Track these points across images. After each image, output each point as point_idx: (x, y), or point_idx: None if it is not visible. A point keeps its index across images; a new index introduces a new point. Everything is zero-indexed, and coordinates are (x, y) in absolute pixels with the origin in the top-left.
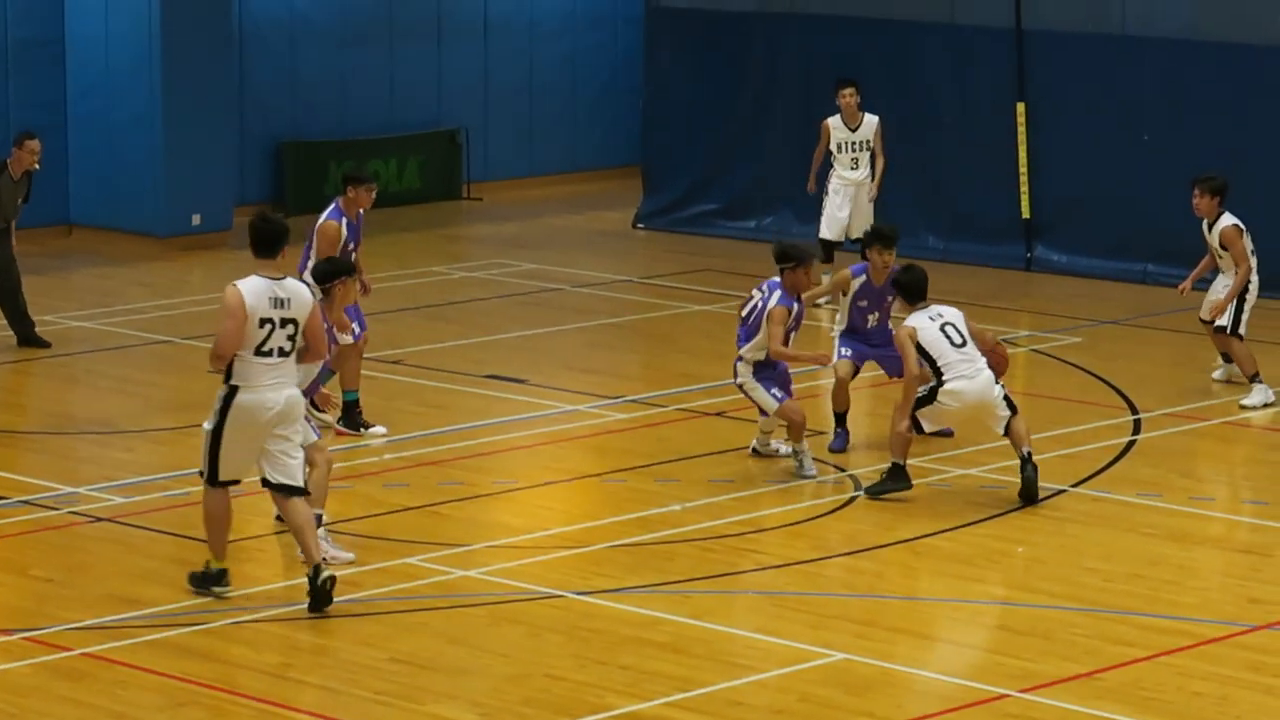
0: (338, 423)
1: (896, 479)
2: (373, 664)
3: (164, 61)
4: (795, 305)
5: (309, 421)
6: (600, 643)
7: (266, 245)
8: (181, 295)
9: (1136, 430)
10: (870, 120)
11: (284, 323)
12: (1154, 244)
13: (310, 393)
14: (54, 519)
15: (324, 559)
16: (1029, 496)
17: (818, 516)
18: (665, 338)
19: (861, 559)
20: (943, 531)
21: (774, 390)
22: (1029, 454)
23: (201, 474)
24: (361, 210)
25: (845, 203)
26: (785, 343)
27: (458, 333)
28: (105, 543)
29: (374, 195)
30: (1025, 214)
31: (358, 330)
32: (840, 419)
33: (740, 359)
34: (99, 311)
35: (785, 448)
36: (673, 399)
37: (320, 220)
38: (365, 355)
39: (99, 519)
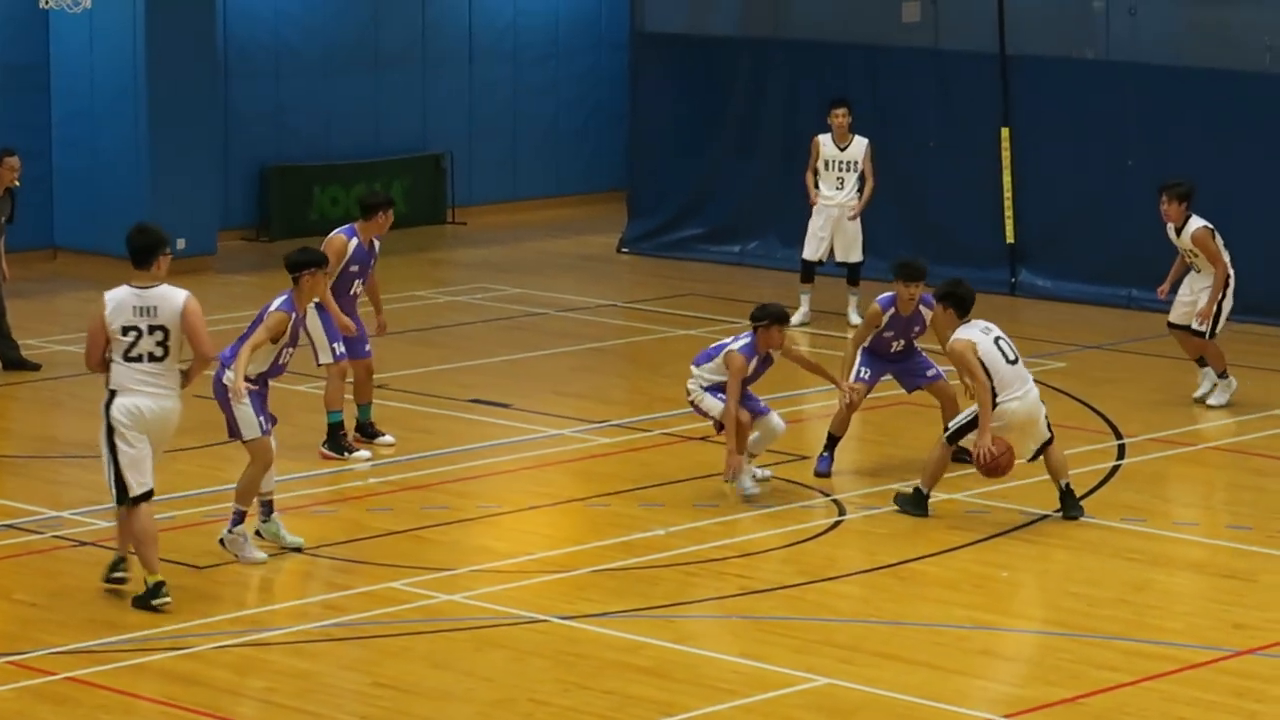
0: (321, 445)
1: (919, 504)
2: (357, 688)
3: (149, 87)
4: (756, 360)
5: (259, 416)
6: (584, 667)
7: (138, 255)
8: None
9: (1121, 455)
10: (860, 142)
11: (152, 329)
12: (1138, 269)
13: (273, 374)
14: (37, 543)
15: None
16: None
17: (802, 541)
18: (650, 362)
19: (846, 584)
20: (927, 556)
21: (720, 394)
22: (1068, 485)
23: (117, 501)
24: (376, 239)
25: (827, 224)
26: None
27: (442, 357)
28: (89, 566)
29: (391, 216)
30: (1010, 239)
31: (339, 350)
32: (832, 443)
33: (694, 377)
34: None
35: (762, 471)
36: (657, 423)
37: (332, 233)
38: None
39: (83, 543)
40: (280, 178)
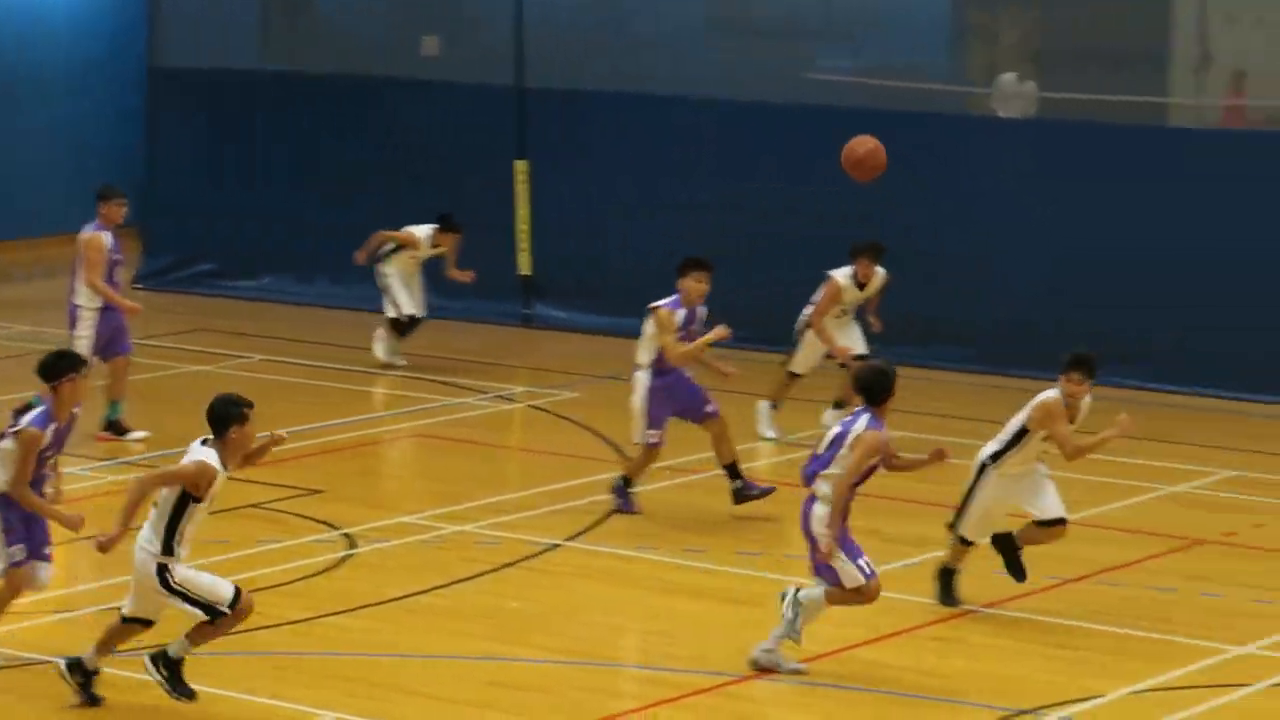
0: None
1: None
2: None
3: None
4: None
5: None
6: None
7: None
8: None
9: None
10: None
11: None
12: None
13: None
14: None
15: None
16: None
17: (310, 576)
18: (164, 398)
19: (353, 617)
20: (436, 588)
21: (860, 560)
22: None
23: None
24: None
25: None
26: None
27: None
28: None
29: (125, 210)
30: (525, 271)
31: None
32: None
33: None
34: None
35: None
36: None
37: (84, 233)
38: None
39: None
40: None
